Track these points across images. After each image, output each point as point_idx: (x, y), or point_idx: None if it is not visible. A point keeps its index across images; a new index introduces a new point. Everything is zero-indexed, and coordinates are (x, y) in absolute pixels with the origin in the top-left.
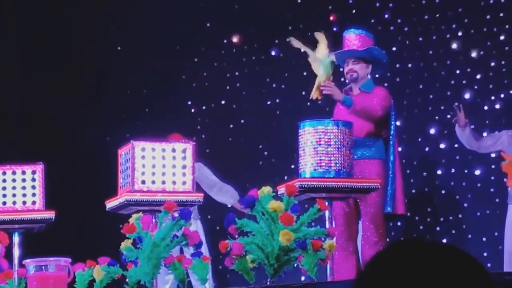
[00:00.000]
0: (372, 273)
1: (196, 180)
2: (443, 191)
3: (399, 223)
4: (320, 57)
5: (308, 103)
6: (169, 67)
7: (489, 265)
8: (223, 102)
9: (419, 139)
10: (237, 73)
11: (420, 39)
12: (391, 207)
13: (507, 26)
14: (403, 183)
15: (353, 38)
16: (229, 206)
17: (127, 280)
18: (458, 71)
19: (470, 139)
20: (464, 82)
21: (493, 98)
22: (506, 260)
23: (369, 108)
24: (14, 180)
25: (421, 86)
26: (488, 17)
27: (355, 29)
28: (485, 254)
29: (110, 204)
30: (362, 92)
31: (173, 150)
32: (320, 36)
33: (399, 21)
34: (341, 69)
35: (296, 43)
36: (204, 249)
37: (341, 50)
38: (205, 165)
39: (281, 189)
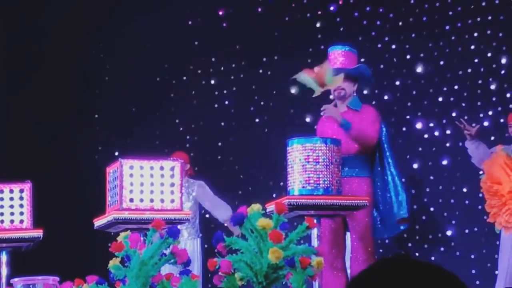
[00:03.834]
0: None
1: (198, 198)
2: (431, 208)
3: (387, 241)
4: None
5: (296, 121)
6: (157, 85)
7: (477, 282)
8: (211, 120)
9: (408, 156)
10: (225, 91)
11: (408, 56)
12: (406, 212)
13: (494, 44)
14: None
15: (339, 55)
16: (222, 222)
17: None
18: (445, 89)
19: (484, 155)
20: (452, 99)
21: (481, 115)
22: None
23: (366, 135)
24: (1, 199)
25: (409, 104)
26: (475, 34)
27: (340, 46)
28: (473, 271)
29: (98, 222)
30: (350, 109)
31: (161, 168)
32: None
33: (386, 38)
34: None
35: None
36: (197, 268)
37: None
38: (206, 184)
39: (270, 207)
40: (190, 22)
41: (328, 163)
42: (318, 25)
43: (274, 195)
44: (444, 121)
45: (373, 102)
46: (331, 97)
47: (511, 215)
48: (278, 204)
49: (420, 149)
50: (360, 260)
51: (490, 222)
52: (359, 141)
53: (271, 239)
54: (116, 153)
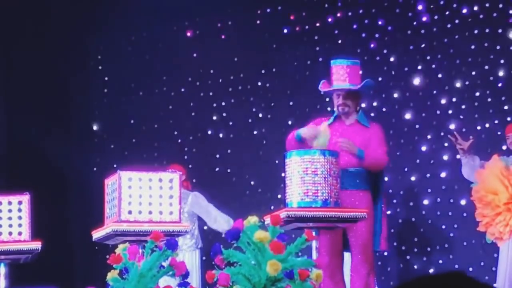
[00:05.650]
0: None
1: (192, 210)
2: (429, 221)
3: (385, 253)
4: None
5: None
6: (156, 97)
7: None
8: (209, 132)
9: (406, 169)
10: (223, 103)
11: (406, 69)
12: (376, 244)
13: (491, 56)
14: (387, 218)
15: (343, 70)
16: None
17: None
18: (443, 101)
19: (479, 167)
20: (450, 112)
21: (479, 128)
22: None
23: (379, 160)
24: (0, 211)
25: (407, 116)
26: (473, 47)
27: (344, 60)
28: None
29: (97, 234)
30: (358, 123)
31: (160, 180)
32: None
33: (385, 51)
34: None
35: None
36: (195, 280)
37: (334, 84)
38: (201, 193)
39: (268, 219)
40: (188, 34)
41: (326, 175)
42: (316, 37)
43: (272, 207)
44: (442, 133)
45: (372, 114)
46: (329, 109)
47: (505, 226)
48: (273, 217)
49: (417, 161)
50: (360, 274)
51: (480, 231)
52: (371, 168)
53: (272, 249)
54: (115, 165)
